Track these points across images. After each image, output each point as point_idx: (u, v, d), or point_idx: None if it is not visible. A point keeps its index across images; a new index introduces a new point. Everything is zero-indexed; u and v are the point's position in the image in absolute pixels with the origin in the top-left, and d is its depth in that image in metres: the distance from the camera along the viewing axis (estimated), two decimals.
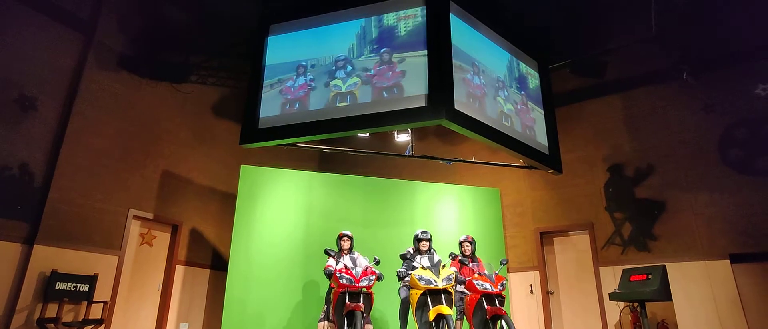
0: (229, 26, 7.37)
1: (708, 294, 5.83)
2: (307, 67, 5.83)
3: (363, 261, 5.26)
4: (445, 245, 6.22)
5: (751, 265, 5.69)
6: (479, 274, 5.06)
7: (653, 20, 6.08)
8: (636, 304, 5.78)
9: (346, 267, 5.00)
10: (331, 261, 5.29)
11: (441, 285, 4.72)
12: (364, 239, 6.35)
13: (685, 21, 6.22)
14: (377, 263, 5.26)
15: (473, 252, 5.64)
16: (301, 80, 5.77)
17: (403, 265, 5.32)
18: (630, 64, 6.96)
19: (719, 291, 5.77)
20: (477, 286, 4.87)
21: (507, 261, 5.46)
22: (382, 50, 5.56)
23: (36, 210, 5.33)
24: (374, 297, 5.11)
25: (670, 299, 5.52)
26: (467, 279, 5.06)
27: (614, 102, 7.10)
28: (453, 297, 4.85)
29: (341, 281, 4.88)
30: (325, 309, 5.46)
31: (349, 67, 5.63)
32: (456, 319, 5.26)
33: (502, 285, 4.91)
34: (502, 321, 4.68)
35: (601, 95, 7.21)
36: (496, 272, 5.03)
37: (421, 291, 4.73)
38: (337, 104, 5.46)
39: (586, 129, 7.27)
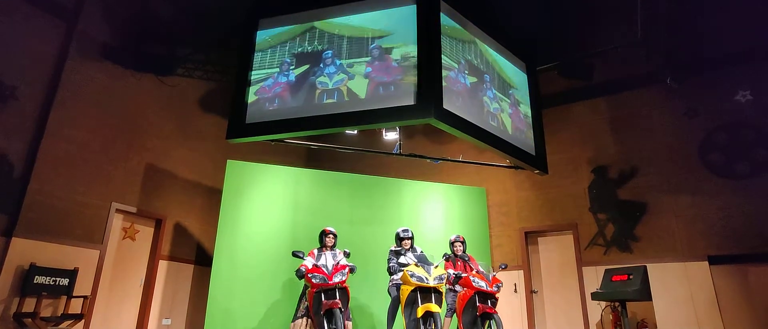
0: (217, 19, 7.26)
1: (687, 294, 5.96)
2: (292, 63, 5.78)
3: (339, 257, 5.25)
4: (431, 243, 6.25)
5: (728, 267, 5.83)
6: (477, 271, 5.10)
7: (639, 25, 6.17)
8: (617, 304, 5.87)
9: (315, 265, 4.98)
10: (308, 260, 5.17)
11: (432, 283, 4.73)
12: (351, 236, 6.33)
13: (670, 27, 6.34)
14: (347, 255, 5.27)
15: (464, 251, 5.69)
16: (283, 78, 5.72)
17: (390, 259, 5.37)
18: (616, 67, 7.06)
19: (697, 292, 5.90)
20: (473, 282, 4.90)
21: (506, 266, 5.53)
22: (372, 47, 5.55)
23: (15, 202, 5.20)
24: (350, 291, 5.08)
25: (650, 299, 5.62)
26: (464, 275, 5.07)
27: (600, 105, 7.20)
28: (443, 297, 4.88)
29: (314, 281, 4.85)
30: (299, 307, 5.34)
31: (338, 62, 5.59)
32: (445, 316, 5.30)
33: (498, 286, 4.95)
34: (492, 321, 4.73)
35: (588, 98, 7.30)
36: (494, 274, 5.08)
37: (412, 288, 4.75)
38: (325, 101, 5.42)
39: (572, 131, 7.36)
